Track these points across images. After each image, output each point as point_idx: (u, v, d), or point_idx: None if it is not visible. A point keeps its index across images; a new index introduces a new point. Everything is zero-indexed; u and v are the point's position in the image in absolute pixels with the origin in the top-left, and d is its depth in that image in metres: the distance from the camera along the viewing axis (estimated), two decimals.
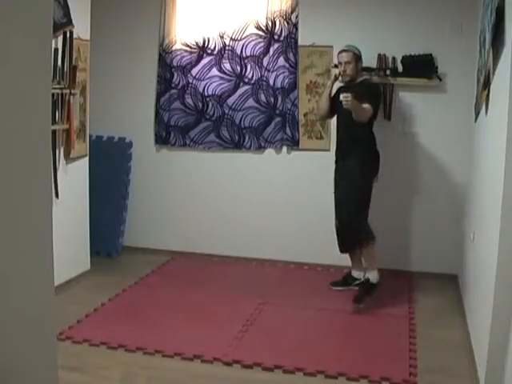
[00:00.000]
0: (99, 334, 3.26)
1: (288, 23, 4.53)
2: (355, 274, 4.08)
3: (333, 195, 4.01)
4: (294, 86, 4.59)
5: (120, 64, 4.87)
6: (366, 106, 3.71)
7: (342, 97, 3.58)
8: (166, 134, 4.86)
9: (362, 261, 3.99)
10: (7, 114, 1.40)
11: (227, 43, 4.66)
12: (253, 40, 4.61)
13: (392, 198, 4.44)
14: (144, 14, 4.78)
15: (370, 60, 4.28)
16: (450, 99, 4.30)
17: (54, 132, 3.76)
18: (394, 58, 4.33)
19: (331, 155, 4.12)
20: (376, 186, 3.96)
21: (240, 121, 4.71)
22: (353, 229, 3.84)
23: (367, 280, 3.83)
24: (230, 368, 2.97)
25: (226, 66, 4.68)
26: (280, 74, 4.59)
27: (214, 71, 4.70)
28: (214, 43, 4.68)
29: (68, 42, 3.83)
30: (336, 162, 4.06)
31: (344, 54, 3.96)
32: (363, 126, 3.82)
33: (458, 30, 4.21)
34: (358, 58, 3.95)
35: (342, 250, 4.03)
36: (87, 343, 3.17)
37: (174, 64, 4.76)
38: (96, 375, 2.84)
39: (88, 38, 4.11)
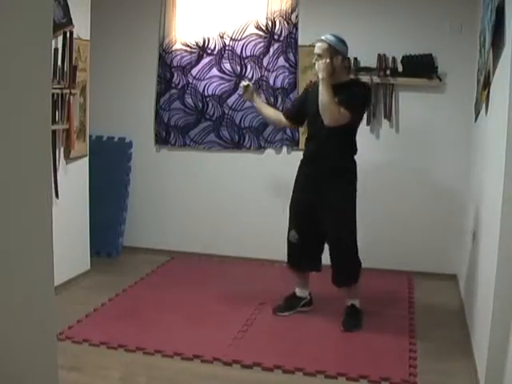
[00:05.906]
0: (99, 334, 3.26)
1: (288, 23, 4.53)
2: (300, 293, 3.72)
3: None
4: (293, 86, 4.59)
5: (120, 64, 4.88)
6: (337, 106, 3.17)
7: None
8: (166, 134, 4.86)
9: (308, 280, 3.71)
10: (7, 114, 1.40)
11: (227, 43, 4.66)
12: (253, 40, 4.61)
13: (391, 197, 4.43)
14: (144, 14, 4.78)
15: (370, 60, 4.29)
16: (450, 99, 4.30)
17: (54, 132, 3.76)
18: (394, 58, 4.33)
19: None
20: (375, 187, 3.93)
21: (240, 121, 4.71)
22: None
23: (352, 305, 3.51)
24: (229, 368, 2.97)
25: (226, 65, 4.68)
26: (280, 74, 4.59)
27: (214, 71, 4.70)
28: (214, 43, 4.68)
29: (68, 41, 3.82)
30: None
31: (317, 45, 3.27)
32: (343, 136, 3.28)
33: (458, 30, 4.22)
34: (334, 52, 3.21)
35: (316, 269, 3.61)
36: (87, 343, 3.17)
37: (174, 64, 4.76)
38: (96, 375, 2.84)
39: (88, 37, 4.11)
